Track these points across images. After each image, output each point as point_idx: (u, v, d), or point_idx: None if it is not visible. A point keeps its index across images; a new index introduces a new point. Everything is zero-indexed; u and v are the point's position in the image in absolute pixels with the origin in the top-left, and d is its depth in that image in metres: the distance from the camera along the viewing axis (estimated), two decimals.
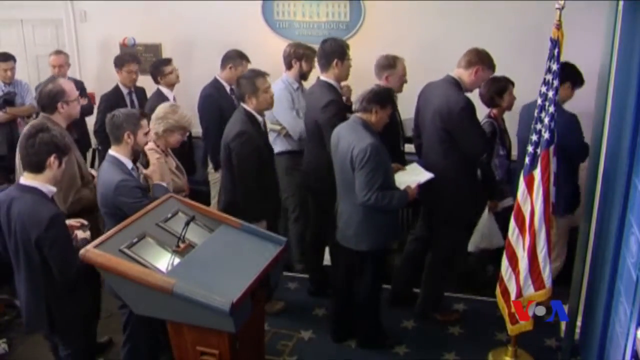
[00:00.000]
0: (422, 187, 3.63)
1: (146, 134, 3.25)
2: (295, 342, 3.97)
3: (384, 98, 3.52)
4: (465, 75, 3.76)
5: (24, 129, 2.86)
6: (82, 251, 2.66)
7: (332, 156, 3.68)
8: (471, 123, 3.68)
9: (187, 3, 5.35)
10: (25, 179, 2.80)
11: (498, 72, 3.95)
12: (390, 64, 4.09)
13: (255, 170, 3.75)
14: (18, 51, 6.13)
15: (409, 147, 4.33)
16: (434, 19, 4.78)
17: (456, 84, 3.76)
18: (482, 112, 4.10)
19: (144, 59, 5.47)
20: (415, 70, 4.40)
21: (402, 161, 4.03)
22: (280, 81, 4.43)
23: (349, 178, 3.49)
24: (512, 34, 4.61)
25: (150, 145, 3.50)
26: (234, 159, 3.76)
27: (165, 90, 4.84)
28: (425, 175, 3.68)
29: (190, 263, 2.76)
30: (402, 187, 3.56)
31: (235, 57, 4.76)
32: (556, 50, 3.16)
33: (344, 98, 4.28)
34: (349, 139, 3.46)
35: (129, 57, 5.17)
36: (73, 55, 5.70)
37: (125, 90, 5.07)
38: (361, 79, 4.11)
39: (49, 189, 2.79)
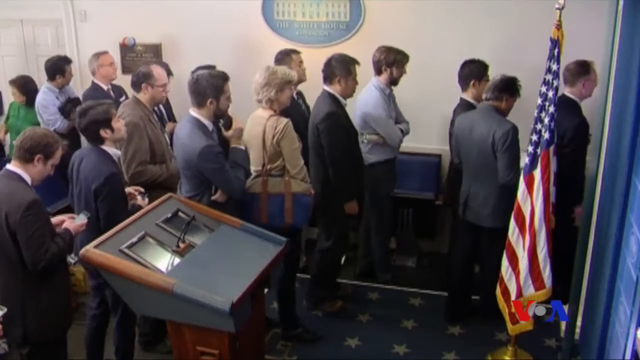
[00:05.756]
0: None
1: (228, 98, 3.34)
2: (295, 342, 3.96)
3: (513, 87, 3.75)
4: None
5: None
6: (82, 251, 2.68)
7: (461, 142, 3.84)
8: None
9: (187, 3, 5.34)
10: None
11: (497, 72, 3.95)
12: (585, 70, 3.96)
13: (345, 151, 3.83)
14: (18, 51, 6.14)
15: None
16: (434, 19, 4.77)
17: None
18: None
19: (144, 59, 5.44)
20: (415, 70, 4.41)
21: None
22: (372, 87, 4.29)
23: (488, 161, 3.68)
24: (512, 34, 4.61)
25: (266, 112, 3.51)
26: (323, 140, 3.83)
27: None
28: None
29: (190, 263, 2.77)
30: None
31: (285, 56, 4.58)
32: (556, 50, 3.16)
33: None
34: (487, 125, 3.67)
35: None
36: (73, 55, 5.68)
37: None
38: (359, 78, 4.10)
39: (114, 151, 3.29)
